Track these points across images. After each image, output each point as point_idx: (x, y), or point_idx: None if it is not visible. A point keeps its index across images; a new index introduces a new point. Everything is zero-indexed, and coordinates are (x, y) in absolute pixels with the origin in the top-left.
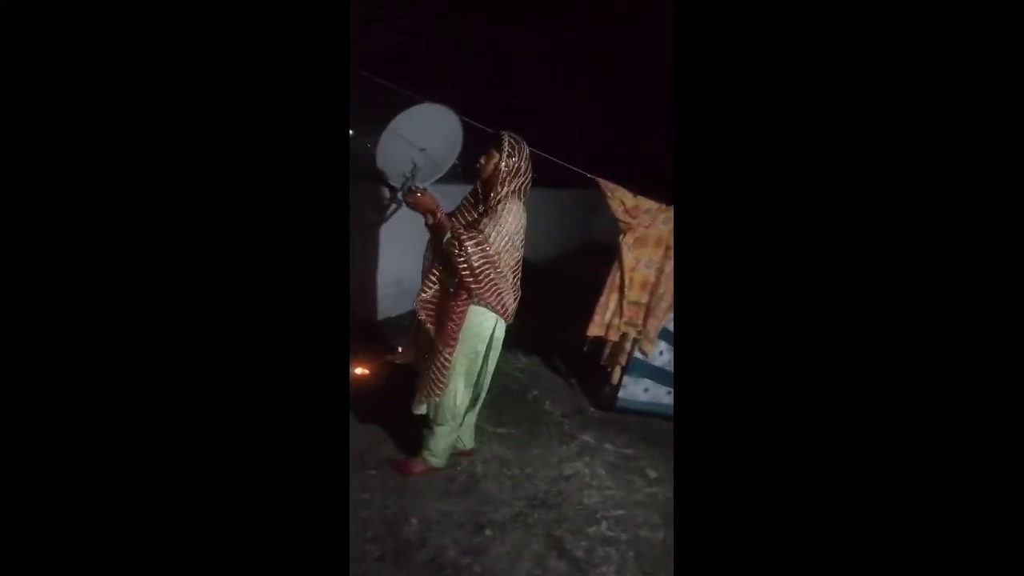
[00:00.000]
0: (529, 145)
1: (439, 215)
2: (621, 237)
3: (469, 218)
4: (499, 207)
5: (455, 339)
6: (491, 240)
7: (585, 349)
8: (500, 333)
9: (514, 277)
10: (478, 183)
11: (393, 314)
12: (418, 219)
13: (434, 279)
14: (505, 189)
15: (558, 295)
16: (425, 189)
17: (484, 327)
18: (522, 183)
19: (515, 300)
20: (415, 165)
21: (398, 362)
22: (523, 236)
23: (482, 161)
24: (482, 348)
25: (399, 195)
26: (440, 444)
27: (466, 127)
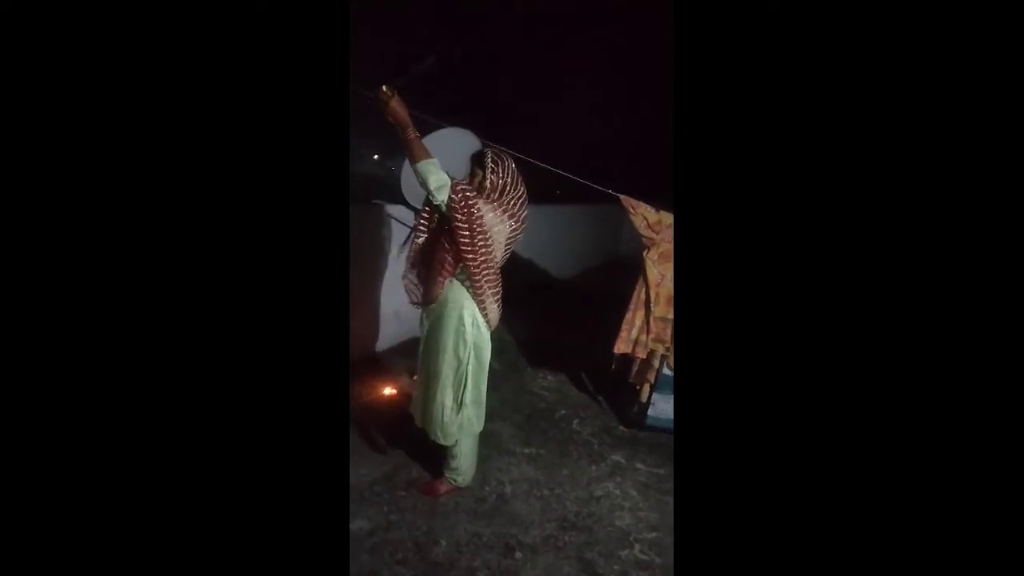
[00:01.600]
0: (548, 164)
1: (411, 134)
2: (645, 252)
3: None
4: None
5: (434, 298)
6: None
7: (613, 367)
8: (482, 341)
9: (495, 276)
10: None
11: (395, 343)
12: None
13: (423, 226)
14: (490, 206)
15: (583, 312)
16: (397, 94)
17: (463, 319)
18: (510, 200)
19: (497, 303)
20: None
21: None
22: (503, 245)
23: (466, 181)
24: (464, 354)
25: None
26: (462, 462)
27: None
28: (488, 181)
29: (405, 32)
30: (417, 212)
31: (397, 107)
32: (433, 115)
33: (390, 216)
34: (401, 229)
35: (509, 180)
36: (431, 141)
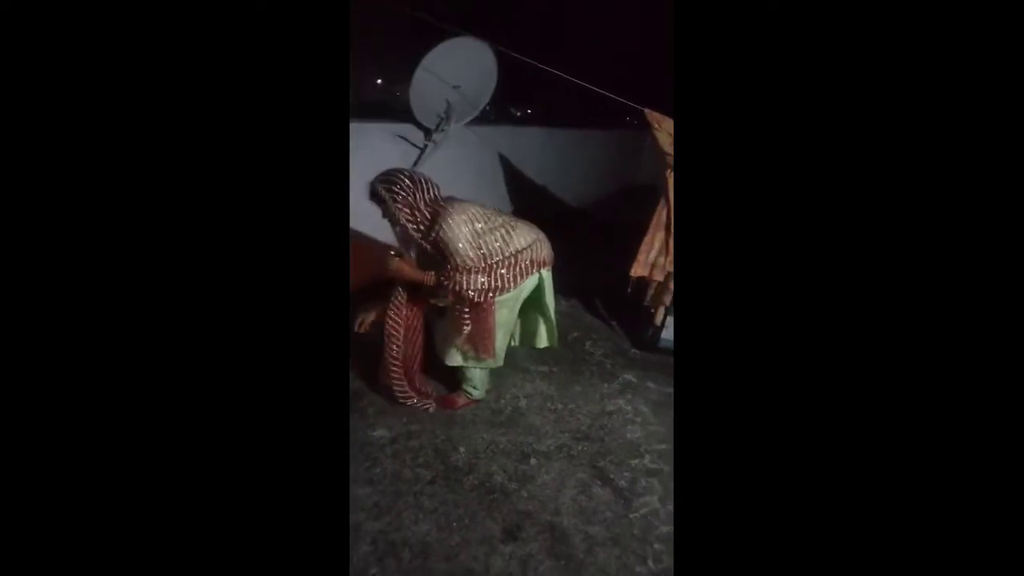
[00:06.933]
0: (572, 76)
1: (425, 279)
2: (668, 172)
3: (425, 239)
4: (439, 223)
5: (491, 340)
6: (464, 255)
7: (628, 290)
8: (535, 283)
9: (513, 256)
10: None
11: None
12: (444, 165)
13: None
14: (420, 216)
15: (596, 239)
16: (403, 256)
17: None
18: (428, 200)
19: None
20: (449, 104)
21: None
22: (484, 220)
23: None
24: (513, 303)
25: (433, 136)
26: (475, 375)
27: (502, 61)
28: (397, 208)
29: None
30: (427, 132)
31: (404, 266)
32: (454, 24)
33: (399, 136)
34: (411, 149)
35: (413, 189)
36: (441, 51)
